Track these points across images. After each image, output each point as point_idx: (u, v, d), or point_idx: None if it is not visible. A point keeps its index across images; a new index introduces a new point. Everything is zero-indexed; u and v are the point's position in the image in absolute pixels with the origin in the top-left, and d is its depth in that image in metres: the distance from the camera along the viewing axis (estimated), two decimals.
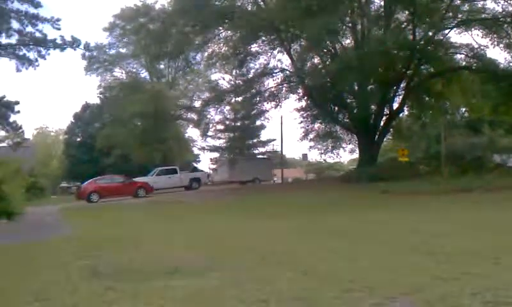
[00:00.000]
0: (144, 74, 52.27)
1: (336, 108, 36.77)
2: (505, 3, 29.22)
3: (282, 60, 36.09)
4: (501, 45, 31.80)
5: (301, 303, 5.20)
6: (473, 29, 31.88)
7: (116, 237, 12.02)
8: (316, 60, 34.89)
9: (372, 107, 33.96)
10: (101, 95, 55.19)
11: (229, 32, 34.96)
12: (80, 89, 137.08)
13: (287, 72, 36.32)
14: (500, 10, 30.18)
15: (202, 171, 46.83)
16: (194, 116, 48.73)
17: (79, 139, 62.60)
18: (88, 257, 9.08)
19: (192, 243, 10.34)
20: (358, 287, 5.65)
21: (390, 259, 7.26)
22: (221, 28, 34.86)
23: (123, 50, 50.59)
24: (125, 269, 7.71)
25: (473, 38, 32.54)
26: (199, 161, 64.02)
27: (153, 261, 8.28)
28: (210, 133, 54.92)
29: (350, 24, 32.29)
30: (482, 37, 32.03)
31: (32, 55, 34.34)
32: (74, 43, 35.00)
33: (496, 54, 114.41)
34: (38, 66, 34.56)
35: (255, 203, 22.22)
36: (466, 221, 11.15)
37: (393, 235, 9.67)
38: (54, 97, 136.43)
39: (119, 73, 51.55)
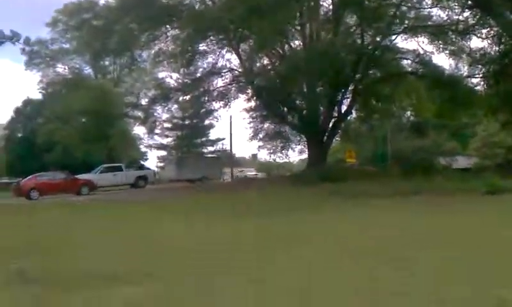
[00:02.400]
0: (88, 70, 50.81)
1: (285, 109, 36.69)
2: (450, 12, 29.89)
3: (231, 60, 35.86)
4: (446, 52, 32.58)
5: None
6: (419, 35, 32.51)
7: (52, 238, 11.28)
8: (265, 61, 34.71)
9: (321, 109, 34.10)
10: (43, 91, 53.31)
11: (177, 30, 34.31)
12: (21, 84, 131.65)
13: (236, 72, 36.03)
14: (445, 18, 30.90)
15: (149, 169, 45.85)
16: (140, 113, 47.78)
17: (20, 134, 60.38)
18: (17, 259, 8.39)
19: (131, 248, 9.76)
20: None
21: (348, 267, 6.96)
22: (168, 26, 34.16)
23: (66, 46, 49.02)
24: (56, 275, 7.09)
25: (420, 44, 33.25)
26: (146, 159, 62.97)
27: (90, 267, 7.66)
28: (157, 131, 54.35)
29: (299, 26, 32.31)
30: (428, 44, 32.76)
31: None
32: (14, 37, 33.62)
33: (442, 60, 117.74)
34: None
35: (198, 204, 21.58)
36: (420, 226, 11.00)
37: (347, 240, 9.42)
38: None
39: (61, 68, 49.89)
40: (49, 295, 5.90)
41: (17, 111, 61.43)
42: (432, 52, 32.90)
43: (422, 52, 32.98)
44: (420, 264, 6.76)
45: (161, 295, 5.83)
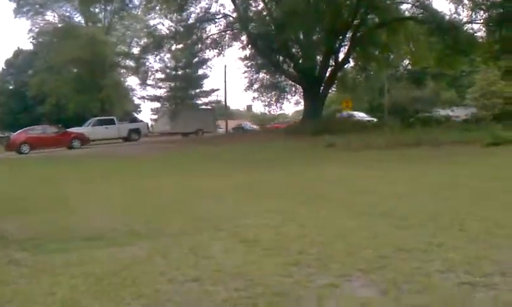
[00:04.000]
0: (78, 18, 49.10)
1: (281, 58, 35.88)
2: None
3: (225, 5, 34.82)
4: None
5: (240, 280, 4.30)
6: None
7: (39, 195, 10.80)
8: (260, 6, 33.72)
9: (318, 58, 33.32)
10: (34, 40, 51.87)
11: None
12: (11, 34, 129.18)
13: (230, 18, 35.01)
14: None
15: (142, 121, 45.17)
16: (132, 63, 46.64)
17: (11, 87, 59.61)
18: None
19: (121, 204, 9.27)
20: (307, 260, 4.81)
21: (342, 223, 6.45)
22: None
23: None
24: (39, 235, 6.60)
25: None
26: (140, 111, 62.33)
27: (74, 226, 7.20)
28: (150, 82, 53.61)
29: None
30: None
31: None
32: None
33: (442, 5, 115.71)
34: None
35: (193, 157, 21.18)
36: (419, 179, 10.55)
37: (341, 195, 8.90)
38: None
39: (51, 16, 48.20)
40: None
41: (8, 63, 60.40)
42: None
43: None
44: None
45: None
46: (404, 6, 33.89)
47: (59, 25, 47.01)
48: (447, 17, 31.12)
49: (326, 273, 4.40)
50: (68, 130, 34.18)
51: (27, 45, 58.36)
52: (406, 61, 45.82)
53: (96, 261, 5.13)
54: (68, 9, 47.53)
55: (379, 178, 11.08)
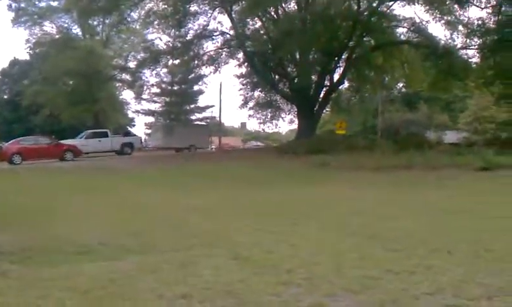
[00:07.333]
0: (76, 30, 48.97)
1: (276, 76, 35.99)
2: None
3: (222, 22, 34.98)
4: (442, 22, 31.80)
5: (229, 298, 4.31)
6: (416, 2, 31.67)
7: (30, 207, 10.77)
8: (258, 24, 33.85)
9: (313, 77, 33.43)
10: (30, 51, 51.72)
11: None
12: (8, 44, 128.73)
13: (227, 36, 35.12)
14: None
15: (135, 135, 45.02)
16: (128, 77, 46.58)
17: (5, 97, 59.42)
18: None
19: (112, 218, 9.26)
20: (296, 279, 4.82)
21: (332, 244, 6.46)
22: None
23: (54, 3, 47.12)
24: (29, 247, 6.59)
25: (416, 12, 32.45)
26: (134, 125, 62.13)
27: (65, 239, 7.19)
28: (145, 96, 53.38)
29: None
30: (424, 12, 31.94)
31: None
32: None
33: (437, 30, 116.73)
34: None
35: (185, 173, 21.14)
36: (410, 201, 10.61)
37: (333, 216, 8.93)
38: None
39: (49, 27, 48.06)
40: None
41: (3, 72, 60.31)
42: (428, 21, 32.33)
43: (418, 20, 32.29)
44: None
45: None
46: (400, 30, 34.08)
47: (57, 37, 46.90)
48: (442, 42, 31.40)
49: (314, 293, 4.41)
50: (60, 141, 33.76)
51: (24, 55, 58.11)
52: (400, 84, 46.10)
53: (84, 275, 5.13)
54: (67, 20, 47.32)
55: (370, 199, 11.14)
